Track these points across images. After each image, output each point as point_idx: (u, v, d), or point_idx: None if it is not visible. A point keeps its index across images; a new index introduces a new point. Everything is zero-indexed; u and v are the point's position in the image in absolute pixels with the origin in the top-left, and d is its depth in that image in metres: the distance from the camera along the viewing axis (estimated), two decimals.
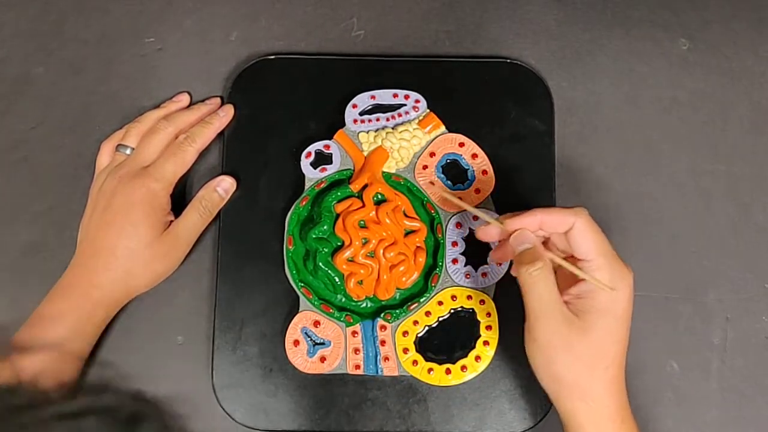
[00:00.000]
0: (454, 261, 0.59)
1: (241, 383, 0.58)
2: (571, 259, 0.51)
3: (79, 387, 0.56)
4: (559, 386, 0.49)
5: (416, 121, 0.61)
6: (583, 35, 0.65)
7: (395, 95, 0.62)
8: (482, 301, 0.59)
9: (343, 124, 0.61)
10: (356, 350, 0.58)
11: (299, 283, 0.59)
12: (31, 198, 0.62)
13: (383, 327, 0.58)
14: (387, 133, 0.61)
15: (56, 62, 0.64)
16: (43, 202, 0.62)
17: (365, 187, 0.59)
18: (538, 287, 0.49)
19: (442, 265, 0.59)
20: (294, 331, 0.58)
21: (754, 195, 0.62)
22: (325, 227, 0.59)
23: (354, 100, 0.62)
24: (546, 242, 0.53)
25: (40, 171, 0.62)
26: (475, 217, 0.59)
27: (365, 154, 0.61)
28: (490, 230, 0.53)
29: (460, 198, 0.56)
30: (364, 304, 0.59)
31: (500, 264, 0.59)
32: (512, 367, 0.58)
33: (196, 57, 0.64)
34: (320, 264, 0.58)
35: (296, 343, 0.58)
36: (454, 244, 0.60)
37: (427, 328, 0.58)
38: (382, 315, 0.58)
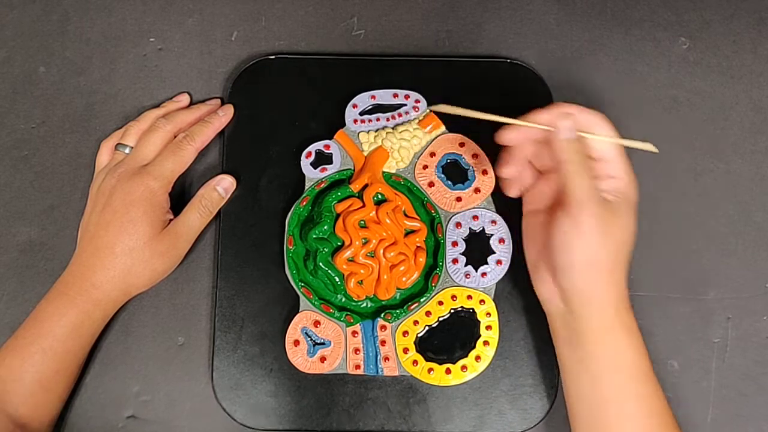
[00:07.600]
0: (455, 261, 0.59)
1: (241, 383, 0.58)
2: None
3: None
4: (590, 270, 0.51)
5: (416, 121, 0.61)
6: (583, 35, 0.65)
7: (395, 95, 0.62)
8: (482, 301, 0.59)
9: (343, 124, 0.61)
10: (356, 350, 0.58)
11: (299, 283, 0.59)
12: (31, 197, 0.62)
13: (383, 327, 0.58)
14: (387, 133, 0.61)
15: (58, 62, 0.64)
16: (44, 201, 0.62)
17: (365, 187, 0.59)
18: (583, 176, 0.51)
19: (442, 265, 0.59)
20: (294, 331, 0.58)
21: (754, 195, 0.62)
22: (325, 227, 0.59)
23: (354, 100, 0.62)
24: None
25: (41, 170, 0.62)
26: (475, 217, 0.60)
27: (365, 154, 0.61)
28: (512, 133, 0.54)
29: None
30: (364, 304, 0.59)
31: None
32: (512, 367, 0.58)
33: (196, 57, 0.64)
34: (320, 264, 0.58)
35: (296, 343, 0.58)
36: (455, 244, 0.60)
37: (427, 328, 0.58)
38: (382, 315, 0.58)
